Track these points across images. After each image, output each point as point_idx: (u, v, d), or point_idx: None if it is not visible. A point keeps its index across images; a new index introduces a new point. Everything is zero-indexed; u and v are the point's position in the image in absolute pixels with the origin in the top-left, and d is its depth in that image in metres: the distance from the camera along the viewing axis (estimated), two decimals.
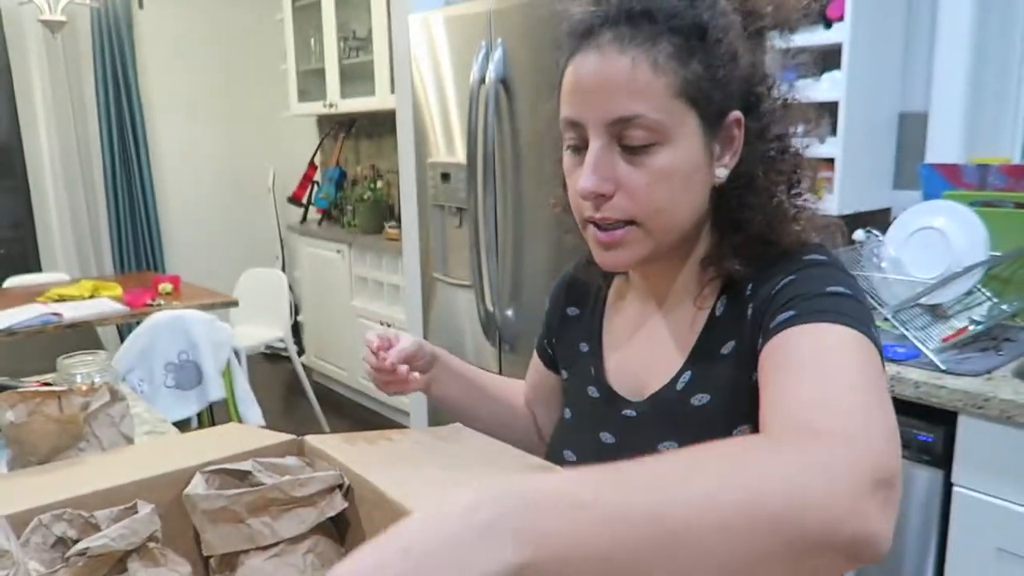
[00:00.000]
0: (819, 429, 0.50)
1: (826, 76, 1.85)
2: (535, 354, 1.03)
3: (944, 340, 1.53)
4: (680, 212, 0.72)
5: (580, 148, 0.72)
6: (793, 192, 0.75)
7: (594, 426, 0.85)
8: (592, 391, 0.86)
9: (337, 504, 0.72)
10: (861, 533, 0.42)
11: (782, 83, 0.76)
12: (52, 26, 3.12)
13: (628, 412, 0.81)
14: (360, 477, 0.72)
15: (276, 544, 0.69)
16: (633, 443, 0.79)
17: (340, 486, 0.73)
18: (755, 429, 0.70)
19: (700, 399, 0.75)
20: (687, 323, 0.79)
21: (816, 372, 0.57)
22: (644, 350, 0.83)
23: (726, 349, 0.74)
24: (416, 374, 0.94)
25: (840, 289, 0.66)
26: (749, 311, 0.72)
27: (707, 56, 0.68)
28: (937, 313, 1.66)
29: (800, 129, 0.76)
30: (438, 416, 2.58)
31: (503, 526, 0.37)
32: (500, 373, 2.30)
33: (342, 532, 0.76)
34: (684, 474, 0.43)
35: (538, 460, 0.75)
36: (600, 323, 0.90)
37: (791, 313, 0.64)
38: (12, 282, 3.50)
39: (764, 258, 0.73)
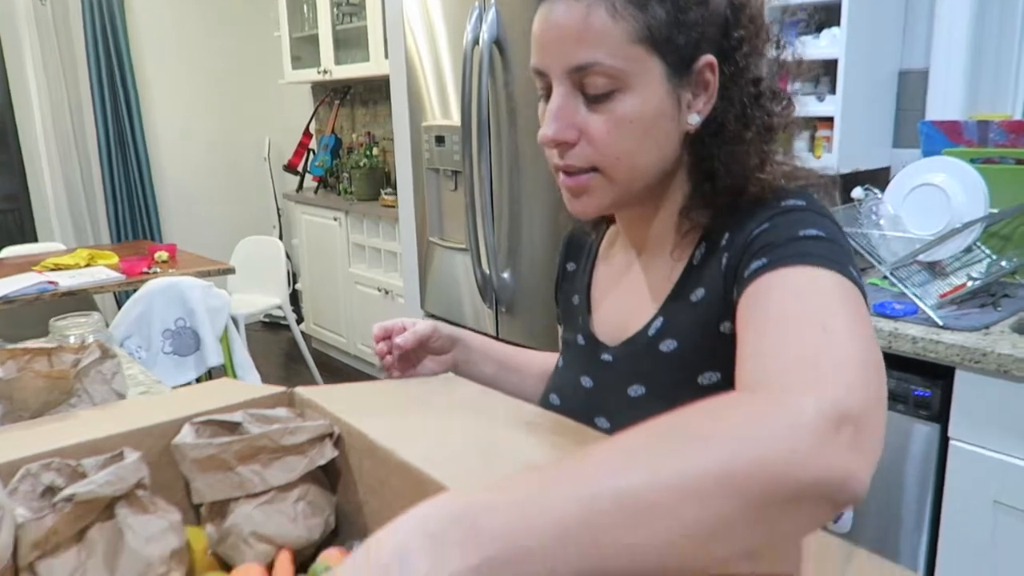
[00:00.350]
0: (786, 377, 0.47)
1: (825, 33, 1.82)
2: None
3: (942, 296, 1.52)
4: (643, 159, 0.71)
5: (548, 96, 0.72)
6: (766, 139, 0.73)
7: (577, 371, 0.86)
8: (579, 339, 0.88)
9: (327, 453, 0.72)
10: (827, 475, 0.39)
11: (768, 29, 0.74)
12: None
13: (605, 357, 0.83)
14: (350, 426, 0.72)
15: (266, 492, 0.68)
16: (607, 386, 0.81)
17: (330, 435, 0.73)
18: (724, 377, 0.71)
19: (668, 345, 0.75)
20: (665, 271, 0.79)
21: (786, 319, 0.54)
22: (625, 298, 0.84)
23: (695, 296, 0.74)
24: (429, 360, 0.96)
25: (814, 232, 0.63)
26: (724, 260, 0.71)
27: (673, 0, 0.67)
28: (935, 270, 1.65)
29: (789, 85, 0.75)
30: None
31: (446, 539, 0.35)
32: (497, 336, 2.30)
33: (333, 480, 0.75)
34: (631, 449, 0.40)
35: (529, 407, 0.75)
36: (590, 275, 0.91)
37: (763, 261, 0.62)
38: (7, 252, 3.48)
39: (739, 208, 0.72)
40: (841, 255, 0.61)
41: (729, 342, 0.63)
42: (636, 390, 0.77)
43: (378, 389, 0.82)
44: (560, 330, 0.98)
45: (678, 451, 0.39)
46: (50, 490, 0.63)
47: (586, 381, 0.85)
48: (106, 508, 0.60)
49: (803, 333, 0.51)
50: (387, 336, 0.93)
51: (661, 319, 0.77)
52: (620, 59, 0.67)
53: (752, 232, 0.68)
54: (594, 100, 0.69)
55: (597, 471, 0.38)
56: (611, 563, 0.36)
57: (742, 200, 0.72)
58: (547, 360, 1.02)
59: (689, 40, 0.68)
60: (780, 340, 0.52)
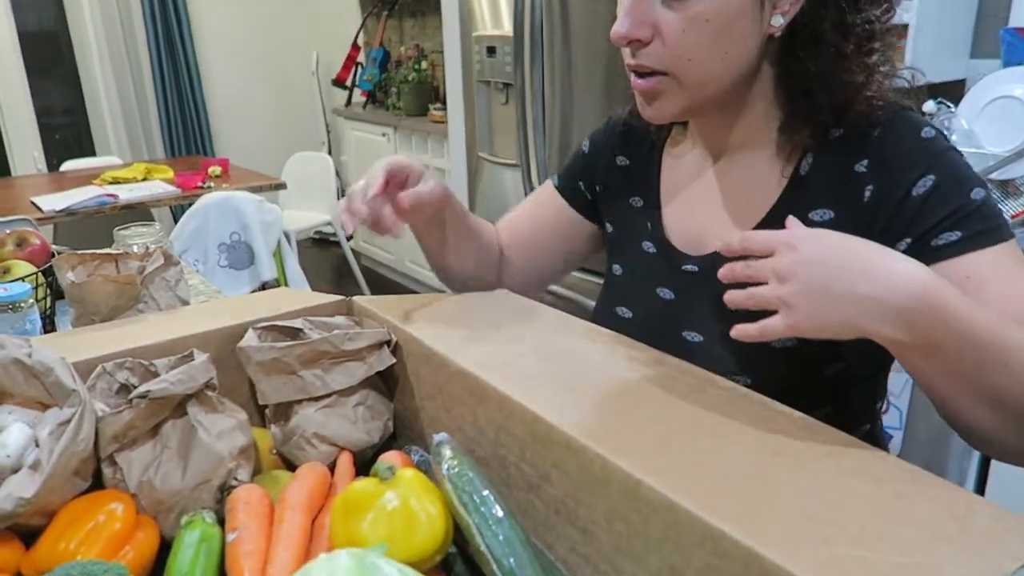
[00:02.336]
0: None
1: None
2: (548, 193, 0.96)
3: (1014, 217, 1.46)
4: (717, 63, 0.68)
5: None
6: (867, 50, 0.68)
7: (650, 282, 0.82)
8: (648, 246, 0.84)
9: (385, 359, 0.73)
10: None
11: None
12: None
13: (689, 267, 0.79)
14: (408, 333, 0.73)
15: (328, 395, 0.70)
16: (692, 299, 0.78)
17: (388, 342, 0.74)
18: None
19: None
20: (759, 178, 0.75)
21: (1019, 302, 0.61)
22: (706, 204, 0.80)
23: (818, 215, 0.71)
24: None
25: (981, 192, 0.65)
26: (867, 193, 0.68)
27: None
28: (1009, 189, 1.57)
29: None
30: None
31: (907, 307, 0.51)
32: None
33: (391, 386, 0.77)
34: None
35: (580, 322, 0.75)
36: (657, 176, 0.86)
37: (957, 235, 0.64)
38: (68, 166, 3.57)
39: (857, 122, 0.69)
40: (997, 207, 0.66)
41: None
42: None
43: (433, 300, 0.83)
44: (541, 203, 0.95)
45: None
46: (124, 387, 0.67)
47: (665, 293, 0.81)
48: (178, 406, 0.63)
49: None
50: (400, 182, 0.77)
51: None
52: None
53: (915, 182, 0.66)
54: None
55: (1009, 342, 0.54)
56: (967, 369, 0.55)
57: (852, 113, 0.69)
58: (486, 234, 0.94)
59: None
60: None
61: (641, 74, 0.71)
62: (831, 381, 0.74)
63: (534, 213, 0.98)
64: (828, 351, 0.69)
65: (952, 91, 1.82)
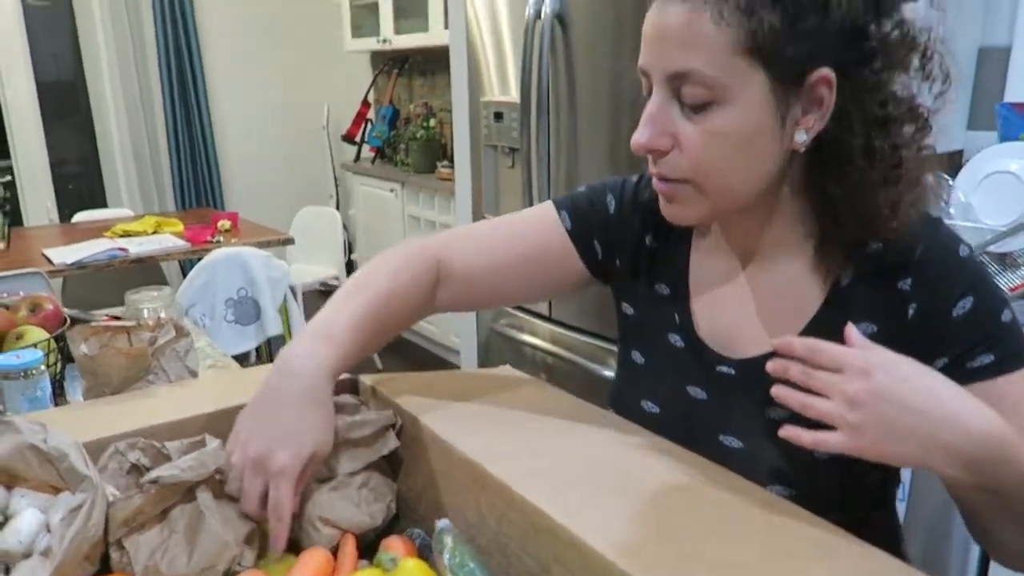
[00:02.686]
0: None
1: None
2: (548, 226, 0.86)
3: (1012, 290, 1.47)
4: (737, 175, 0.67)
5: (650, 98, 0.69)
6: (893, 179, 0.65)
7: (680, 378, 0.80)
8: (675, 339, 0.81)
9: (390, 443, 0.74)
10: None
11: (916, 37, 0.65)
12: None
13: (724, 369, 0.77)
14: (413, 417, 0.74)
15: (333, 478, 0.71)
16: (728, 402, 0.76)
17: (393, 426, 0.75)
18: None
19: None
20: (796, 286, 0.74)
21: None
22: (739, 305, 0.78)
23: (862, 329, 0.68)
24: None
25: (1010, 315, 0.68)
26: (911, 311, 0.69)
27: (787, 5, 0.61)
28: (1007, 262, 1.59)
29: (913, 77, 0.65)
30: (488, 354, 2.62)
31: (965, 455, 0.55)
32: (550, 317, 2.30)
33: (395, 467, 0.78)
34: None
35: (599, 410, 0.76)
36: (686, 267, 0.82)
37: (991, 358, 0.67)
38: (80, 217, 3.63)
39: (900, 239, 0.68)
40: (1021, 330, 0.68)
41: None
42: (778, 412, 0.71)
43: (440, 380, 0.84)
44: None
45: None
46: (136, 468, 0.68)
47: (697, 392, 0.79)
48: (188, 491, 0.64)
49: None
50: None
51: None
52: (719, 69, 0.63)
53: (955, 303, 0.67)
54: (691, 109, 0.65)
55: None
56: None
57: (876, 239, 0.69)
58: (413, 306, 0.83)
59: (800, 51, 0.62)
60: None
61: (662, 179, 0.71)
62: (870, 488, 0.75)
63: (522, 244, 0.86)
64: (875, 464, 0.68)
65: (950, 162, 1.86)
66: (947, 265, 0.69)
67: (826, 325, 0.71)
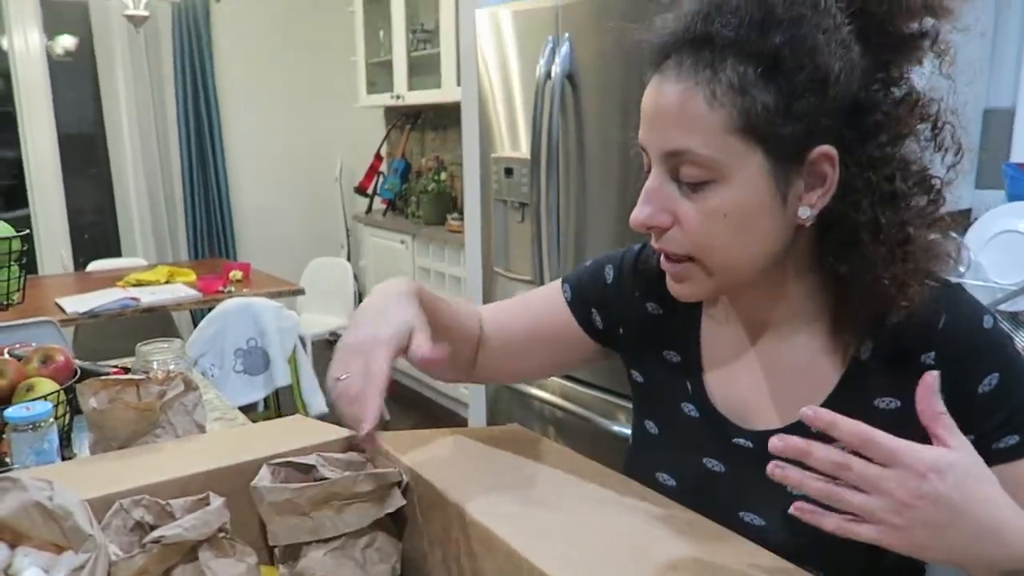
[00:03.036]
0: None
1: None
2: (553, 301, 0.90)
3: None
4: (740, 252, 0.66)
5: (649, 173, 0.69)
6: (902, 256, 0.64)
7: (696, 449, 0.79)
8: (689, 409, 0.80)
9: (396, 501, 0.74)
10: None
11: (926, 106, 0.65)
12: (135, 20, 3.25)
13: (741, 441, 0.76)
14: (419, 475, 0.73)
15: (337, 537, 0.71)
16: (747, 475, 0.74)
17: (399, 483, 0.75)
18: None
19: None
20: (812, 358, 0.73)
21: None
22: (753, 377, 0.77)
23: (884, 403, 0.70)
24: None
25: None
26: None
27: (781, 85, 0.60)
28: (1018, 320, 1.58)
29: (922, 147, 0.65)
30: (497, 408, 2.60)
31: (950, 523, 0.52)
32: None
33: (399, 526, 0.77)
34: None
35: (614, 473, 0.75)
36: (697, 335, 0.81)
37: (1017, 439, 0.66)
38: (94, 266, 3.68)
39: (916, 310, 0.65)
40: None
41: None
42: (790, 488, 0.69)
43: (448, 437, 0.84)
44: (546, 306, 0.89)
45: None
46: (139, 525, 0.67)
47: (714, 465, 0.77)
48: (190, 550, 0.63)
49: None
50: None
51: None
52: (714, 149, 0.62)
53: (982, 380, 0.66)
54: (689, 188, 0.65)
55: None
56: None
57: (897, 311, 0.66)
58: (466, 322, 0.87)
59: (797, 130, 0.62)
60: None
61: (668, 257, 0.70)
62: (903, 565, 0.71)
63: (532, 317, 0.91)
64: None
65: (958, 220, 1.86)
66: (973, 338, 0.67)
67: (845, 402, 0.69)
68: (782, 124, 0.61)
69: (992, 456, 0.64)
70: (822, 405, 0.69)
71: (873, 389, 0.70)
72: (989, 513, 0.53)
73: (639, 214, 0.67)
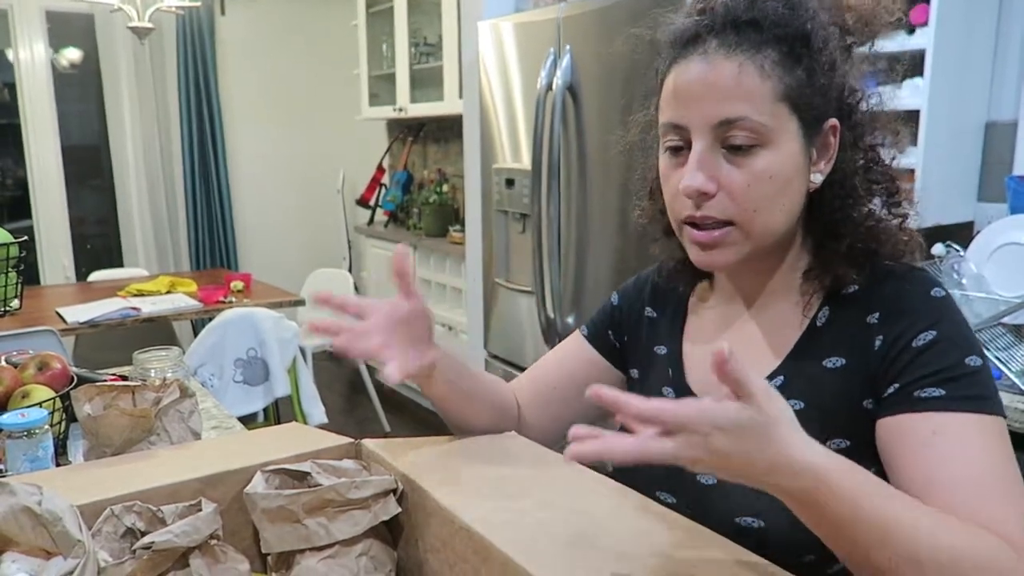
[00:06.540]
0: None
1: (907, 83, 1.78)
2: (576, 344, 0.98)
3: None
4: (777, 215, 0.74)
5: (680, 150, 0.75)
6: (891, 202, 0.76)
7: None
8: (667, 391, 0.86)
9: (391, 508, 0.73)
10: None
11: (871, 95, 0.77)
12: (140, 32, 3.26)
13: None
14: (414, 483, 0.73)
15: (331, 545, 0.70)
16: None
17: (394, 491, 0.74)
18: (854, 445, 0.72)
19: (792, 404, 0.69)
20: (779, 327, 0.80)
21: (972, 472, 0.64)
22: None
23: (831, 363, 0.75)
24: (404, 349, 0.81)
25: (978, 361, 0.69)
26: (877, 343, 0.72)
27: (810, 64, 0.71)
28: (1021, 333, 1.57)
29: (887, 141, 0.78)
30: None
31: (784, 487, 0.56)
32: None
33: (395, 535, 0.76)
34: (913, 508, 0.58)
35: (608, 480, 0.74)
36: (681, 325, 0.90)
37: (940, 392, 0.68)
38: (96, 276, 3.67)
39: (877, 276, 0.75)
40: (992, 380, 0.69)
41: (868, 417, 0.71)
42: None
43: (443, 445, 0.83)
44: (567, 354, 0.98)
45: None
46: (131, 532, 0.66)
47: (706, 479, 0.79)
48: (181, 556, 0.62)
49: (996, 492, 0.63)
50: (340, 307, 0.81)
51: (782, 378, 0.77)
52: (766, 115, 0.70)
53: (918, 334, 0.70)
54: (734, 153, 0.72)
55: (897, 532, 0.56)
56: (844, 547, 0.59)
57: (876, 267, 0.75)
58: (499, 390, 0.95)
59: (819, 102, 0.72)
60: (974, 487, 0.63)
61: (703, 226, 0.74)
62: None
63: (562, 364, 0.99)
64: None
65: (960, 233, 1.86)
66: (916, 301, 0.73)
67: (798, 359, 0.77)
68: (812, 95, 0.72)
69: (911, 403, 0.68)
70: (776, 369, 0.78)
71: (824, 351, 0.76)
72: (778, 451, 0.55)
73: (692, 181, 0.72)
